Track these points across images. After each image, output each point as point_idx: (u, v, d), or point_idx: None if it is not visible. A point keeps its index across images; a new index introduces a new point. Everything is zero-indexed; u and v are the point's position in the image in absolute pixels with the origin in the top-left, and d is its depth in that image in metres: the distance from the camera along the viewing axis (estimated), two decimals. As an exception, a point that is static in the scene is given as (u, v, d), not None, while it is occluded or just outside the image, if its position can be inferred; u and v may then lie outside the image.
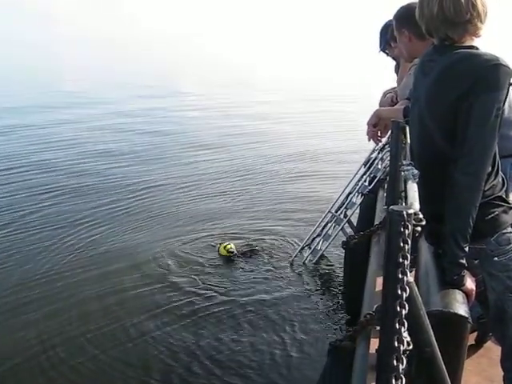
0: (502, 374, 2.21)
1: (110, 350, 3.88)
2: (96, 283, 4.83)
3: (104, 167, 8.95)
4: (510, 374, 2.15)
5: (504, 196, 1.92)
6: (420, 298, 1.30)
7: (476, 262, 1.96)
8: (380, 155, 4.81)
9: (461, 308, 1.64)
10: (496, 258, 1.91)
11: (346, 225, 5.11)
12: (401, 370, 1.08)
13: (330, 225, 5.27)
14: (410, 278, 1.25)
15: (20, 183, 7.83)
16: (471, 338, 2.79)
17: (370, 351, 1.83)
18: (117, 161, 9.41)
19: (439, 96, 1.85)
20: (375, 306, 2.09)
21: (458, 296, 1.72)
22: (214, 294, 4.66)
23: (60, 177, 8.29)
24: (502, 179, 1.93)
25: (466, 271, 1.80)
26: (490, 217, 1.88)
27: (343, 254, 4.24)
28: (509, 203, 1.94)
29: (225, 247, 5.41)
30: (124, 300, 4.59)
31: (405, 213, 1.21)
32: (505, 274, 1.93)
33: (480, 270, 1.98)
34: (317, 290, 4.77)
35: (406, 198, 2.37)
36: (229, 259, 5.31)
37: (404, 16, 2.95)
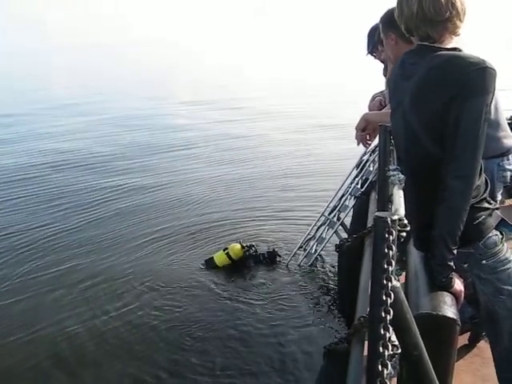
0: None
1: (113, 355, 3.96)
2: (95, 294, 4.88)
3: (93, 175, 9.04)
4: (506, 374, 2.16)
5: (488, 197, 1.94)
6: (406, 302, 1.31)
7: (465, 265, 1.98)
8: (372, 157, 4.83)
9: (449, 310, 1.65)
10: (484, 261, 1.93)
11: (340, 227, 5.13)
12: (385, 375, 1.09)
13: (323, 228, 5.29)
14: (396, 282, 1.26)
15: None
16: (464, 338, 2.81)
17: (366, 354, 1.83)
18: (102, 169, 9.51)
19: (426, 100, 1.83)
20: (368, 309, 2.10)
21: (447, 298, 1.73)
22: (206, 298, 4.70)
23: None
24: (486, 180, 1.95)
25: (454, 273, 1.82)
26: (477, 221, 1.89)
27: (337, 257, 4.26)
28: (492, 204, 1.95)
29: (231, 250, 5.32)
30: (124, 305, 4.65)
31: (389, 219, 1.23)
32: (494, 276, 1.94)
33: (469, 273, 2.00)
34: (312, 292, 4.78)
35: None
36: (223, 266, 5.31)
37: (390, 19, 2.95)
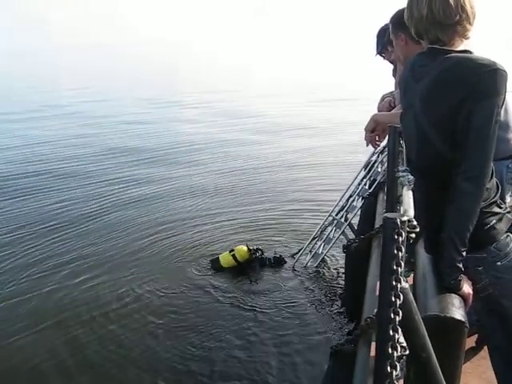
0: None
1: (120, 353, 3.99)
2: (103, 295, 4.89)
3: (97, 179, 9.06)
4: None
5: (499, 201, 1.93)
6: (415, 304, 1.31)
7: (479, 268, 1.96)
8: (380, 158, 4.82)
9: (457, 312, 1.64)
10: (499, 263, 1.92)
11: (347, 228, 5.11)
12: (394, 377, 1.09)
13: (330, 228, 5.28)
14: (405, 284, 1.26)
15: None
16: (471, 341, 2.80)
17: (372, 354, 1.83)
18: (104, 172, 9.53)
19: (437, 102, 1.83)
20: (375, 310, 2.10)
21: (455, 300, 1.72)
22: (214, 300, 4.69)
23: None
24: (496, 183, 1.94)
25: (462, 275, 1.81)
26: (488, 226, 1.89)
27: (344, 258, 4.25)
28: (502, 208, 1.94)
29: (237, 252, 5.28)
30: (129, 306, 4.67)
31: (398, 220, 1.23)
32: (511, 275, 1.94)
33: (485, 275, 1.98)
34: (318, 293, 4.77)
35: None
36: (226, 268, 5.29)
37: (400, 19, 2.94)
